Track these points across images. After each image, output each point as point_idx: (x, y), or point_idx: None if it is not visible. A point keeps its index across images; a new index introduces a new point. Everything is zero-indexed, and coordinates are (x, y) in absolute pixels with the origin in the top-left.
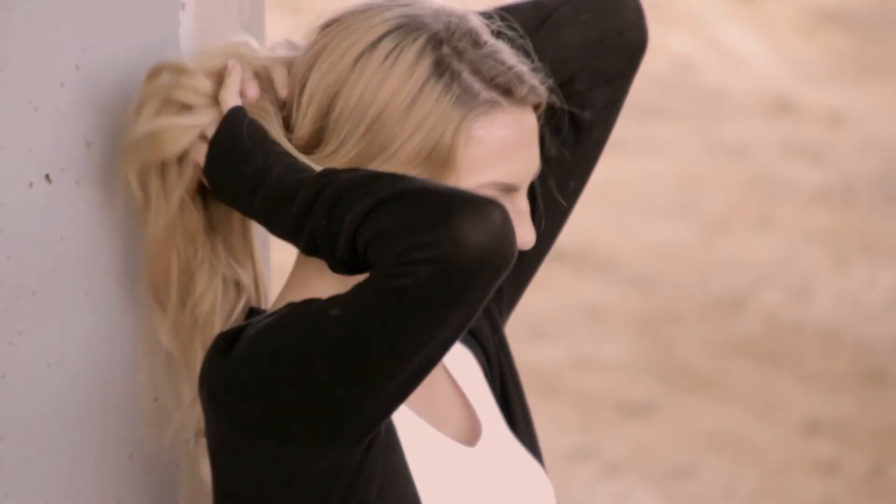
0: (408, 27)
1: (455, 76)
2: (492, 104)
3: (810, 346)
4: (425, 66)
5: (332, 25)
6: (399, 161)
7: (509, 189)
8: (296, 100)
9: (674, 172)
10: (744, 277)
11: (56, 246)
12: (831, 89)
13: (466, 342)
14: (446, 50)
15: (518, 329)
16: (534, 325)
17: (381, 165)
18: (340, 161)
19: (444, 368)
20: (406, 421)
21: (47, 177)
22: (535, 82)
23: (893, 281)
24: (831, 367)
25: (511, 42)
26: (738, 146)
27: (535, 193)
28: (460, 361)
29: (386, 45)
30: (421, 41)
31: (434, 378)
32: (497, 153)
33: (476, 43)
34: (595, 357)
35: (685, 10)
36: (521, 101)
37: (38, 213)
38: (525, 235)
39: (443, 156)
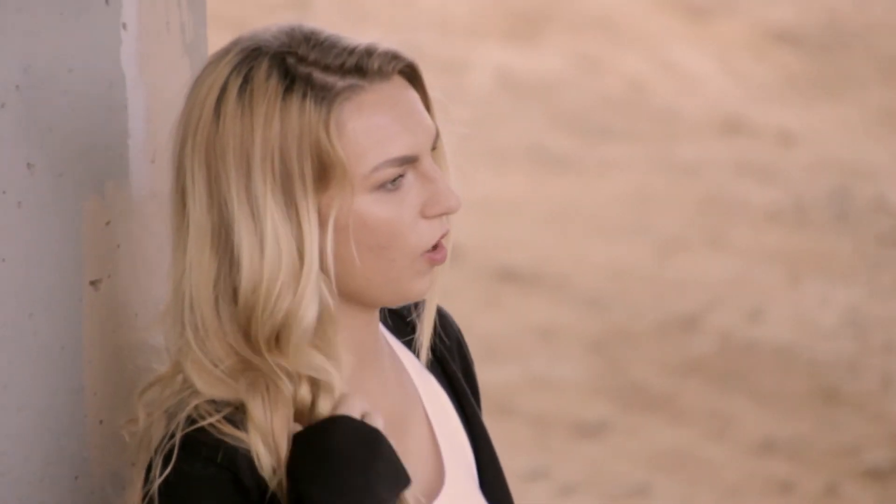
0: (248, 57)
1: (306, 80)
2: (351, 89)
3: (764, 365)
4: (275, 84)
5: (188, 93)
6: (305, 184)
7: (408, 161)
8: (179, 185)
9: (626, 192)
10: (697, 297)
11: None
12: (783, 109)
13: (436, 375)
14: (290, 60)
15: (471, 350)
16: (487, 345)
17: (296, 197)
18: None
19: (423, 408)
20: None
21: None
22: (389, 47)
23: (846, 300)
24: (786, 387)
25: None
26: (691, 166)
27: None
28: (434, 398)
29: (234, 82)
30: (265, 64)
31: (408, 423)
32: (377, 133)
33: (315, 42)
34: (549, 377)
35: (637, 30)
36: (381, 75)
37: None
38: (448, 201)
39: (328, 158)
